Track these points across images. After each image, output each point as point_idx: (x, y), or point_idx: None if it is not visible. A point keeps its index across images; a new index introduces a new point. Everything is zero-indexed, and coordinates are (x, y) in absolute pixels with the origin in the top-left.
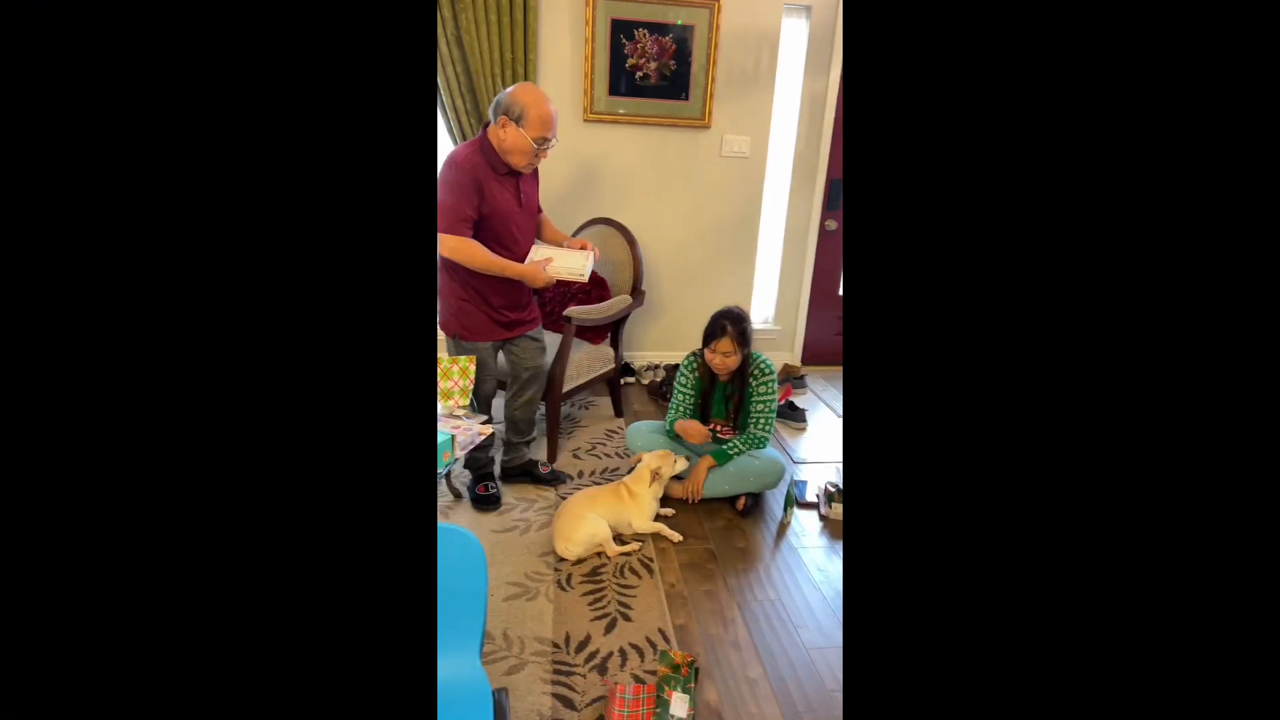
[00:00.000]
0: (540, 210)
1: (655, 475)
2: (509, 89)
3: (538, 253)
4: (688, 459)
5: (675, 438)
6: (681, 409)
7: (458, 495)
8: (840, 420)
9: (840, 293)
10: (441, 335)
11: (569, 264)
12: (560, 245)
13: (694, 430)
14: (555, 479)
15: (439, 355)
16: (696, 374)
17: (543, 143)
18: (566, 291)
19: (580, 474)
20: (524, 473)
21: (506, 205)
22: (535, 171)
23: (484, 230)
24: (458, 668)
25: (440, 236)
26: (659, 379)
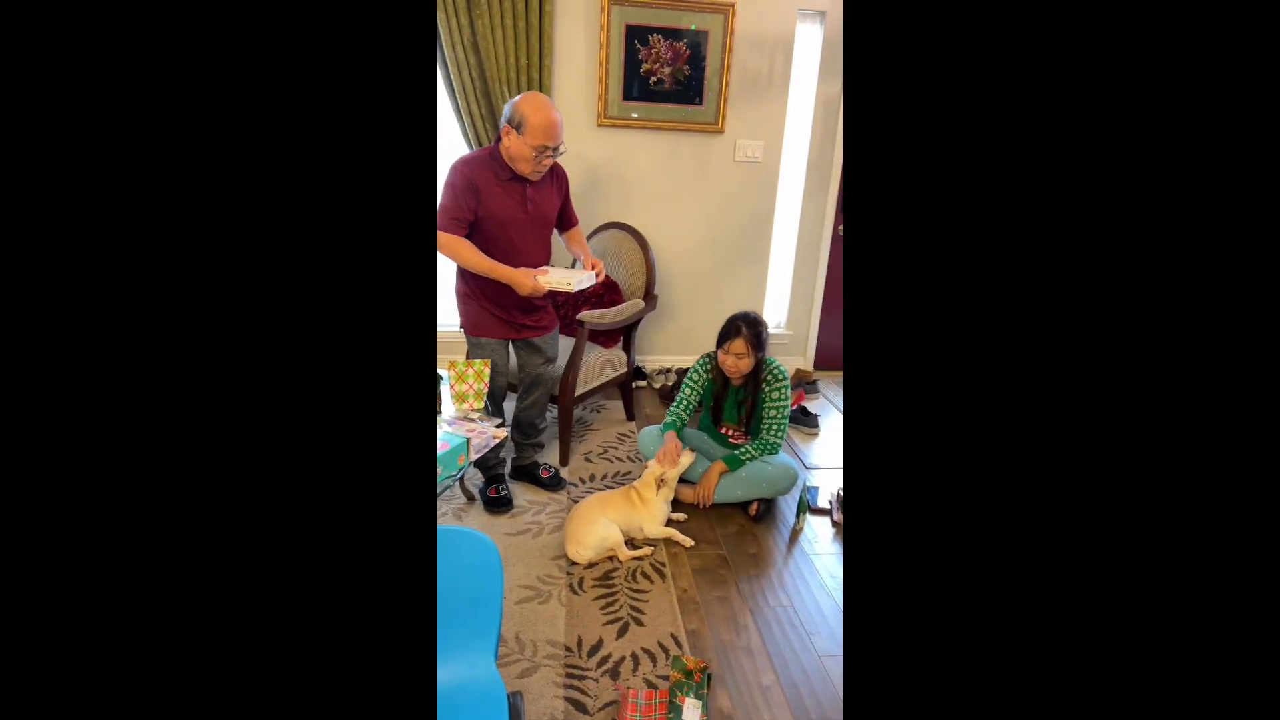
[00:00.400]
0: (574, 223)
1: (661, 481)
2: (514, 98)
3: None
4: (691, 450)
5: (672, 430)
6: (685, 406)
7: (471, 498)
8: None
9: None
10: (463, 337)
11: (561, 276)
12: (575, 263)
13: (666, 451)
14: (556, 484)
15: (455, 359)
16: (709, 376)
17: (543, 150)
18: (580, 296)
19: (591, 477)
20: (527, 474)
21: (506, 211)
22: (558, 181)
23: (481, 233)
24: (473, 670)
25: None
26: (670, 383)
